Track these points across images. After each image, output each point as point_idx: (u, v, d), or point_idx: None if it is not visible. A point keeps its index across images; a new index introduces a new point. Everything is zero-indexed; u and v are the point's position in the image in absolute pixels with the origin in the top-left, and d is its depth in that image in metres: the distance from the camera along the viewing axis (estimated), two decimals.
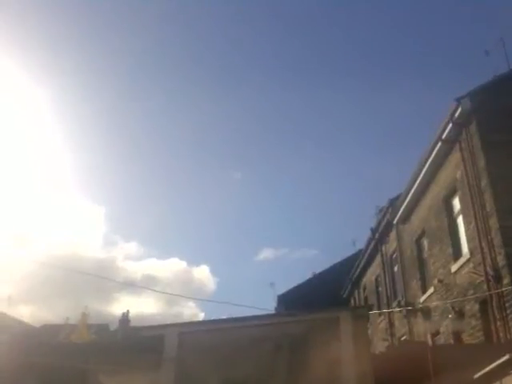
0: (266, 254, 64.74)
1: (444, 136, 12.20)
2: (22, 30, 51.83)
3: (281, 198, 61.70)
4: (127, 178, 60.14)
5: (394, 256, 18.38)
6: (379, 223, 19.52)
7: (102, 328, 25.37)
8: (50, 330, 23.45)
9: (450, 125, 11.80)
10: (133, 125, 59.34)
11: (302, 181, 62.50)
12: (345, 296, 27.09)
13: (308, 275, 32.37)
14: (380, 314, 19.79)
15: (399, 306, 16.81)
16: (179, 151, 58.56)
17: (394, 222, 17.42)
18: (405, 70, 62.34)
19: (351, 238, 36.18)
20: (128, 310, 25.30)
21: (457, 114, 11.50)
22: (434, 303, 13.66)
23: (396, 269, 18.34)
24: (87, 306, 25.88)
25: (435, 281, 13.57)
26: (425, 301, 14.50)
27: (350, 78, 63.42)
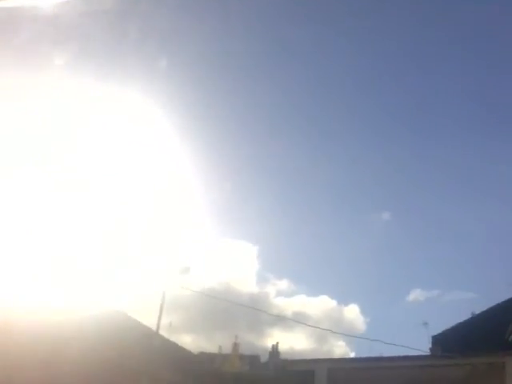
0: (416, 295, 61.22)
1: None
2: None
3: (430, 238, 57.97)
4: (280, 219, 62.11)
5: None
6: None
7: (253, 359, 25.99)
8: (205, 357, 24.66)
9: None
10: (280, 168, 60.84)
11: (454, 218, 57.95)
12: (510, 340, 24.34)
13: (465, 318, 29.63)
14: None
15: None
16: (326, 194, 58.87)
17: None
18: None
19: None
20: (278, 342, 25.51)
21: None
22: None
23: None
24: (239, 336, 26.69)
25: None
26: None
27: None
